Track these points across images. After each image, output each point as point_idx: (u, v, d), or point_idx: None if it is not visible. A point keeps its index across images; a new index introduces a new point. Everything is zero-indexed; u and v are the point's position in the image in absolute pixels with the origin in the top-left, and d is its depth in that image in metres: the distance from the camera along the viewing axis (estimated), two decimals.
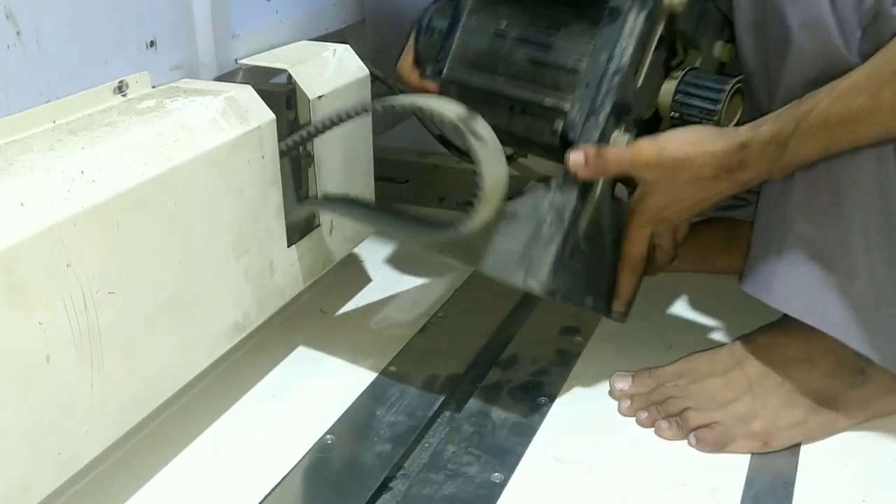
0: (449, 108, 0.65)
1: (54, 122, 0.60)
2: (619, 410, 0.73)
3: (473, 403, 0.75)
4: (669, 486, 0.65)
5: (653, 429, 0.71)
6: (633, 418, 0.72)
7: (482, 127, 0.64)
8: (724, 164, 0.64)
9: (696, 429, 0.70)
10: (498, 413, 0.73)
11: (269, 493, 0.65)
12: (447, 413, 0.74)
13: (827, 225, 0.66)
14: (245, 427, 0.73)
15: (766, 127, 0.62)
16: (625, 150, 0.67)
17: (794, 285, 0.68)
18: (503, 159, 0.66)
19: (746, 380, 0.71)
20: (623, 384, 0.75)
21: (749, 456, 0.68)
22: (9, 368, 0.50)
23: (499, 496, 0.64)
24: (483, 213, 0.66)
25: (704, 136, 0.65)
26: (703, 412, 0.70)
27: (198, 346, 0.66)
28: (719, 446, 0.68)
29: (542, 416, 0.73)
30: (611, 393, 0.75)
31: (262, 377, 0.79)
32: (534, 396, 0.75)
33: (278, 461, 0.68)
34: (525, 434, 0.71)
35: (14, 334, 0.50)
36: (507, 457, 0.68)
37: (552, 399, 0.75)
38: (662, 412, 0.72)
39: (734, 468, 0.67)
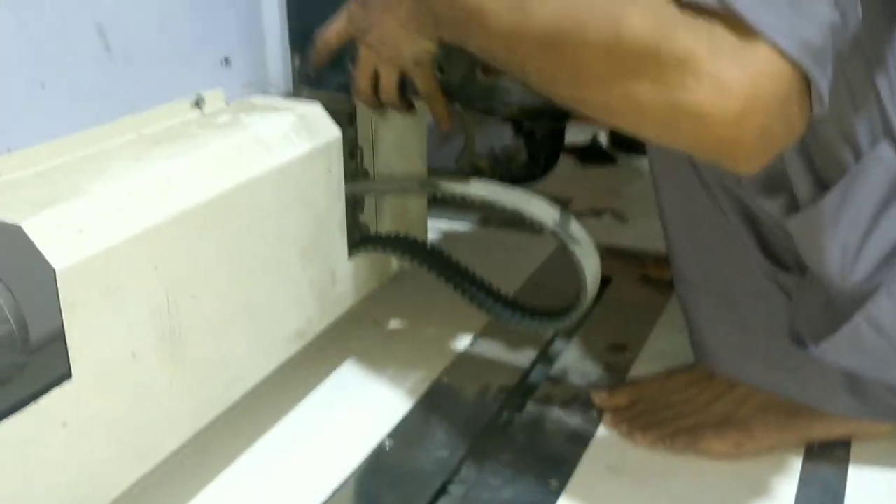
0: (546, 214, 0.71)
1: (139, 132, 0.63)
2: (604, 423, 0.75)
3: (526, 414, 0.77)
4: (721, 497, 0.67)
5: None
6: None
7: (576, 229, 0.71)
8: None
9: (672, 432, 0.72)
10: (551, 423, 0.75)
11: (331, 495, 0.67)
12: (501, 422, 0.76)
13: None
14: (303, 432, 0.75)
15: None
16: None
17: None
18: (596, 253, 0.72)
19: (725, 385, 0.75)
20: (599, 398, 0.78)
21: (800, 466, 0.70)
22: (98, 364, 0.53)
23: (555, 502, 0.66)
24: (585, 303, 0.74)
25: None
26: (681, 417, 0.74)
27: (265, 351, 0.69)
28: (691, 445, 0.71)
29: (595, 427, 0.74)
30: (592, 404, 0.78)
31: (318, 384, 0.81)
32: (585, 409, 0.77)
33: (338, 465, 0.70)
34: (579, 444, 0.72)
35: (106, 333, 0.53)
36: (562, 465, 0.70)
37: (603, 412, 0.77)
38: (641, 422, 0.74)
39: (786, 478, 0.68)
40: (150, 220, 0.54)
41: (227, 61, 0.71)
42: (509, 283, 1.00)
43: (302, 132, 0.69)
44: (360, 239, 0.81)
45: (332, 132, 0.72)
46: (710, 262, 0.74)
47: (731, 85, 0.46)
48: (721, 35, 0.46)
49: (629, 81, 0.49)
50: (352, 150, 0.81)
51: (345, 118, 0.82)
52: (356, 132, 0.83)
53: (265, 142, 0.66)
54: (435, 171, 0.85)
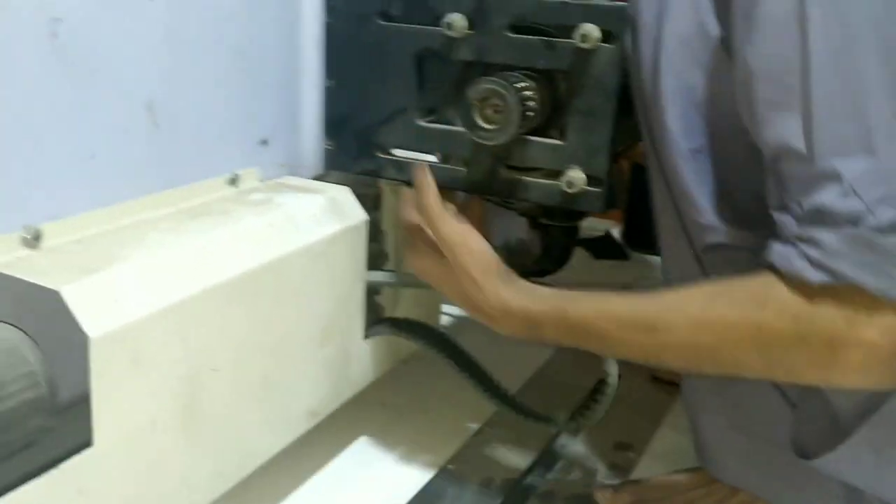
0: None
1: (177, 206, 0.65)
2: None
3: None
4: None
5: None
6: None
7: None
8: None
9: None
10: None
11: None
12: None
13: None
14: None
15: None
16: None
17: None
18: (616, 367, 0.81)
19: (728, 490, 0.75)
20: (603, 496, 0.78)
21: None
22: (119, 432, 0.54)
23: None
24: (597, 416, 0.81)
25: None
26: None
27: (276, 428, 0.69)
28: None
29: None
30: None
31: (323, 465, 0.82)
32: None
33: None
34: None
35: (130, 401, 0.54)
36: None
37: None
38: None
39: None
40: (183, 293, 0.56)
41: (264, 142, 0.73)
42: (521, 372, 1.01)
43: (330, 214, 0.72)
44: (375, 320, 0.82)
45: (359, 215, 0.74)
46: None
47: (876, 349, 0.55)
48: (851, 307, 0.55)
49: (785, 366, 0.58)
50: (374, 234, 0.84)
51: (370, 202, 0.85)
52: (380, 216, 0.86)
53: (296, 221, 0.68)
54: None
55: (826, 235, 0.56)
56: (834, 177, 0.56)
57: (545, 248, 0.88)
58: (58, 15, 0.54)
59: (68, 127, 0.56)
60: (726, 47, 0.65)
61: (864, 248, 0.56)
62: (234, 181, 0.71)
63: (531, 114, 0.70)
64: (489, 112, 0.70)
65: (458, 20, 0.71)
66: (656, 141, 0.69)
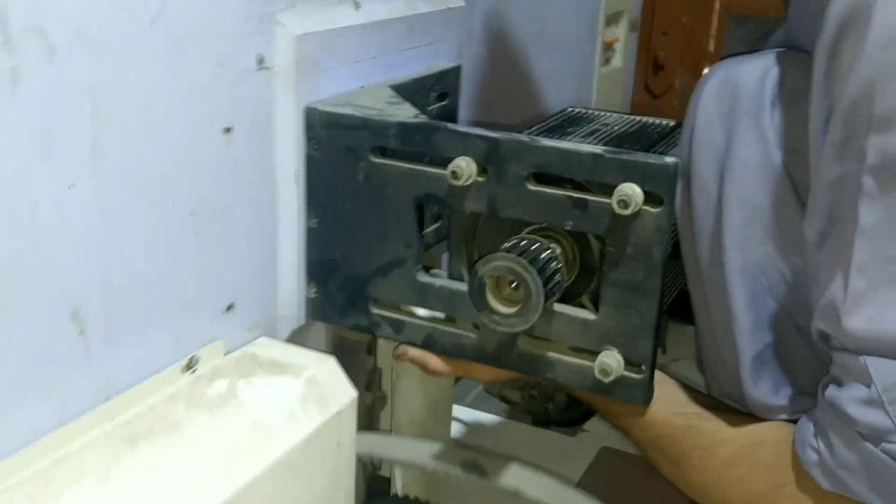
0: None
1: (113, 421, 0.52)
2: None
3: None
4: None
5: None
6: None
7: None
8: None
9: None
10: None
11: None
12: None
13: None
14: None
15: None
16: None
17: None
18: None
19: None
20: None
21: None
22: None
23: None
24: None
25: None
26: None
27: None
28: None
29: None
30: None
31: None
32: None
33: None
34: None
35: None
36: None
37: None
38: None
39: None
40: None
41: (230, 308, 0.60)
42: None
43: (309, 404, 0.59)
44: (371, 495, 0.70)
45: (345, 395, 0.61)
46: None
47: None
48: None
49: None
50: (368, 383, 0.71)
51: (363, 348, 0.72)
52: (375, 361, 0.73)
53: (263, 429, 0.55)
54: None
55: (839, 444, 0.51)
56: (863, 377, 0.49)
57: (572, 398, 0.75)
58: None
59: None
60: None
61: (883, 473, 0.49)
62: (191, 365, 0.58)
63: (557, 287, 0.57)
64: (506, 290, 0.57)
65: (465, 167, 0.57)
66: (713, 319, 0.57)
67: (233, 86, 0.55)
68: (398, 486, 0.70)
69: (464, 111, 0.81)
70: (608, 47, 1.49)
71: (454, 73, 0.80)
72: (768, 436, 0.59)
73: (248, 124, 0.57)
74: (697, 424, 0.62)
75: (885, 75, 0.47)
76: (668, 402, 0.63)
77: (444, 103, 0.78)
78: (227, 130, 0.56)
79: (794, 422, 0.59)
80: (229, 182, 0.57)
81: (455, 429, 0.98)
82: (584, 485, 0.93)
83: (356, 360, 0.70)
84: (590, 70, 1.40)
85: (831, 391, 0.52)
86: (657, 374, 0.59)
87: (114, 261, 0.50)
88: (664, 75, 1.72)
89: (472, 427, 1.01)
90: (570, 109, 0.80)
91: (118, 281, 0.51)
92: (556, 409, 0.74)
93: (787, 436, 0.58)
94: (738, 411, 0.62)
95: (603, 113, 0.80)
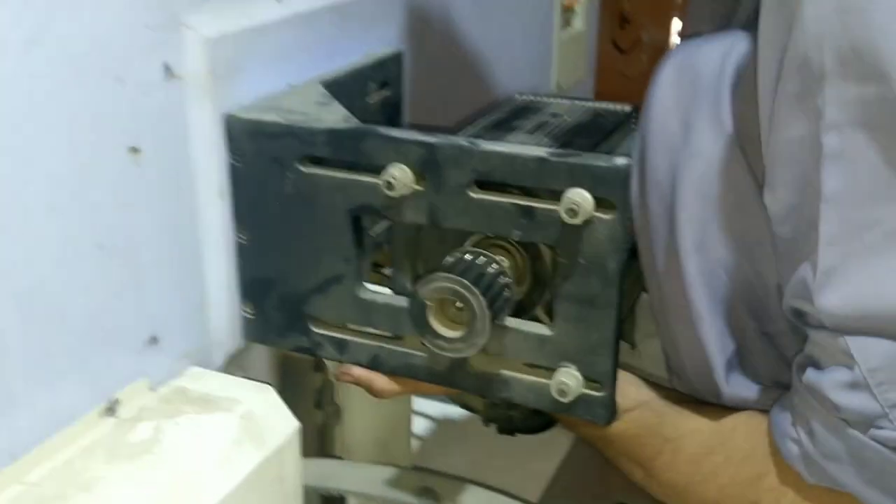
0: None
1: (22, 483, 0.47)
2: None
3: None
4: None
5: None
6: None
7: None
8: None
9: None
10: None
11: None
12: None
13: None
14: None
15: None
16: None
17: None
18: None
19: None
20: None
21: None
22: None
23: None
24: None
25: None
26: None
27: None
28: None
29: None
30: None
31: None
32: None
33: None
34: None
35: None
36: None
37: None
38: None
39: None
40: None
41: (153, 340, 0.55)
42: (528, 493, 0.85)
43: (245, 442, 0.54)
44: None
45: (285, 427, 0.56)
46: None
47: None
48: None
49: None
50: (318, 400, 0.66)
51: (310, 364, 0.67)
52: (324, 377, 0.68)
53: (192, 480, 0.50)
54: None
55: (822, 433, 0.47)
56: (844, 358, 0.45)
57: None
58: None
59: None
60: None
61: (872, 461, 0.46)
62: (111, 409, 0.53)
63: (506, 304, 0.52)
64: (450, 311, 0.52)
65: (400, 176, 0.52)
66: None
67: (136, 101, 0.49)
68: None
69: (412, 98, 0.75)
70: (567, 10, 1.42)
71: (395, 59, 0.74)
72: (739, 424, 0.55)
73: (158, 142, 0.52)
74: (666, 419, 0.58)
75: (842, 11, 0.41)
76: (635, 407, 0.59)
77: (386, 94, 0.72)
78: (134, 150, 0.50)
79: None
80: (141, 206, 0.52)
81: (421, 425, 0.94)
82: (560, 477, 0.90)
83: (304, 377, 0.65)
84: (548, 36, 1.34)
85: (810, 374, 0.47)
86: (620, 374, 0.55)
87: (9, 303, 0.45)
88: (631, 29, 1.66)
89: (441, 423, 0.97)
90: (517, 97, 0.75)
91: (16, 324, 0.46)
92: (521, 416, 0.70)
93: (759, 423, 0.54)
94: (705, 402, 0.58)
95: (553, 101, 0.74)
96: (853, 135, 0.42)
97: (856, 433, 0.46)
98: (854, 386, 0.45)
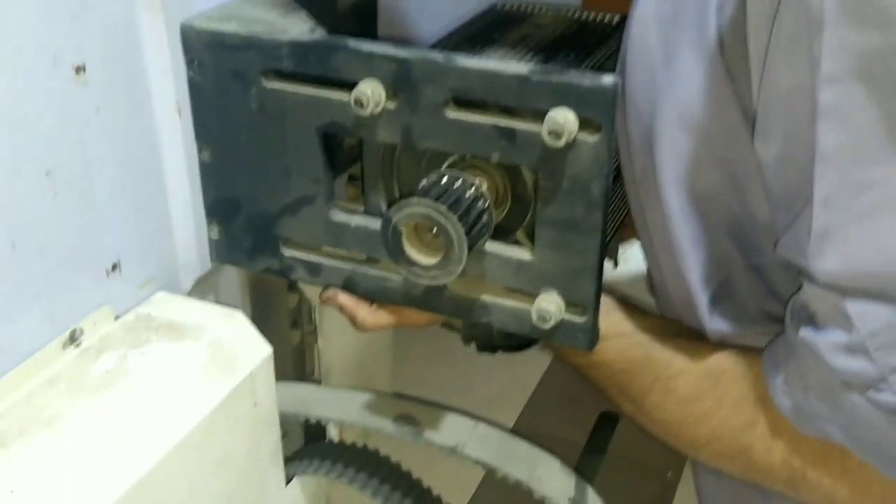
0: (557, 488, 0.59)
1: None
2: None
3: None
4: None
5: None
6: None
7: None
8: None
9: None
10: None
11: None
12: None
13: None
14: None
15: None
16: None
17: None
18: None
19: None
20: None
21: None
22: None
23: None
24: None
25: None
26: None
27: None
28: None
29: None
30: None
31: None
32: None
33: None
34: None
35: None
36: None
37: None
38: None
39: None
40: None
41: (114, 267, 0.53)
42: (506, 413, 0.85)
43: (214, 370, 0.52)
44: (295, 454, 0.64)
45: (257, 352, 0.54)
46: None
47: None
48: (850, 476, 0.49)
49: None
50: (296, 319, 0.65)
51: (284, 284, 0.65)
52: (300, 296, 0.66)
53: (158, 412, 0.48)
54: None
55: (818, 391, 0.47)
56: (842, 320, 0.44)
57: None
58: None
59: None
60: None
61: (867, 421, 0.45)
62: (73, 338, 0.51)
63: (484, 230, 0.50)
64: (426, 237, 0.49)
65: (371, 94, 0.48)
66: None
67: (76, 16, 0.45)
68: (333, 432, 0.65)
69: (383, 6, 0.70)
70: None
71: None
72: (727, 368, 0.54)
73: (104, 58, 0.48)
74: (652, 354, 0.56)
75: None
76: (619, 335, 0.57)
77: None
78: (79, 70, 0.46)
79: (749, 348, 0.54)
80: (91, 128, 0.48)
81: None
82: (543, 387, 0.90)
83: (278, 298, 0.63)
84: None
85: (807, 333, 0.46)
86: (602, 300, 0.53)
87: None
88: None
89: (420, 338, 0.96)
90: (498, 5, 0.70)
91: None
92: (501, 334, 0.69)
93: (747, 368, 0.53)
94: (688, 334, 0.57)
95: (536, 8, 0.69)
96: (852, 88, 0.39)
97: (852, 395, 0.45)
98: (852, 349, 0.44)
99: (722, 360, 0.54)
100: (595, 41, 0.64)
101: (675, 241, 0.50)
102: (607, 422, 0.83)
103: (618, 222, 0.63)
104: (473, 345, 0.70)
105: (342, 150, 0.57)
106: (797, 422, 0.48)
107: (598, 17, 0.67)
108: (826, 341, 0.44)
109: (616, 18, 0.66)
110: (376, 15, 0.68)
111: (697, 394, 0.54)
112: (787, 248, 0.47)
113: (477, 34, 0.65)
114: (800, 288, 0.46)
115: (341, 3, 0.63)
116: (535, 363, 0.91)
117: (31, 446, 0.45)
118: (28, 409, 0.47)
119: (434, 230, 0.48)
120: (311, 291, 0.67)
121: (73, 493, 0.43)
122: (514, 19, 0.68)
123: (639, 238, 0.55)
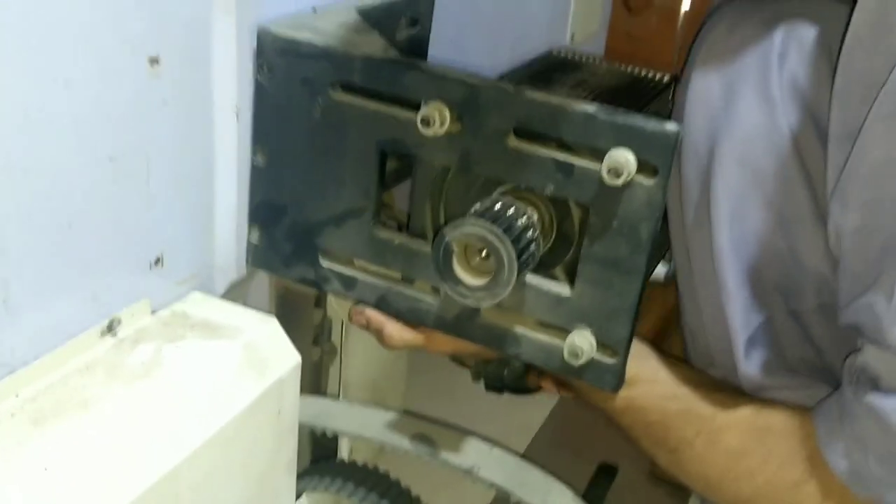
0: None
1: (18, 397, 0.45)
2: None
3: None
4: None
5: None
6: None
7: None
8: None
9: None
10: None
11: None
12: None
13: None
14: None
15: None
16: None
17: None
18: None
19: None
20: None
21: None
22: None
23: None
24: None
25: None
26: None
27: None
28: None
29: None
30: None
31: None
32: None
33: None
34: None
35: None
36: None
37: None
38: None
39: None
40: None
41: (158, 262, 0.53)
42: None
43: (246, 372, 0.52)
44: (307, 470, 0.64)
45: (287, 360, 0.55)
46: None
47: None
48: None
49: None
50: (316, 337, 0.65)
51: (310, 300, 0.65)
52: (324, 314, 0.67)
53: (192, 407, 0.48)
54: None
55: (879, 455, 0.46)
56: None
57: (529, 364, 0.69)
58: None
59: None
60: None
61: None
62: (111, 328, 0.51)
63: (531, 259, 0.50)
64: (474, 259, 0.50)
65: (438, 115, 0.49)
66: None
67: (156, 8, 0.46)
68: (344, 451, 0.65)
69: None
70: None
71: None
72: (775, 423, 0.54)
73: (178, 53, 0.48)
74: (693, 408, 0.56)
75: None
76: (655, 384, 0.57)
77: (414, 31, 0.69)
78: (154, 62, 0.47)
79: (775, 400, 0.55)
80: (157, 120, 0.49)
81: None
82: (545, 432, 0.89)
83: (303, 313, 0.64)
84: None
85: (872, 398, 0.46)
86: (636, 346, 0.53)
87: (14, 213, 0.42)
88: None
89: (430, 369, 0.96)
90: (554, 52, 0.72)
91: (20, 236, 0.43)
92: (511, 376, 0.69)
93: (798, 426, 0.53)
94: (727, 388, 0.57)
95: (590, 59, 0.71)
96: None
97: None
98: None
99: (769, 416, 0.54)
100: (649, 94, 0.66)
101: (720, 278, 0.51)
102: (606, 473, 0.84)
103: (655, 265, 0.64)
104: (482, 382, 0.70)
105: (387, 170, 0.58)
106: (852, 484, 0.48)
107: (651, 74, 0.69)
108: (894, 406, 0.44)
109: (667, 77, 0.69)
110: (426, 51, 0.70)
111: (743, 449, 0.54)
112: (856, 312, 0.47)
113: (536, 74, 0.67)
114: (858, 349, 0.47)
115: (400, 36, 0.65)
116: (538, 408, 0.91)
117: (66, 427, 0.44)
118: (64, 391, 0.47)
119: (484, 252, 0.49)
120: (335, 310, 0.68)
121: (104, 476, 0.43)
122: (570, 66, 0.70)
123: (677, 283, 0.56)
